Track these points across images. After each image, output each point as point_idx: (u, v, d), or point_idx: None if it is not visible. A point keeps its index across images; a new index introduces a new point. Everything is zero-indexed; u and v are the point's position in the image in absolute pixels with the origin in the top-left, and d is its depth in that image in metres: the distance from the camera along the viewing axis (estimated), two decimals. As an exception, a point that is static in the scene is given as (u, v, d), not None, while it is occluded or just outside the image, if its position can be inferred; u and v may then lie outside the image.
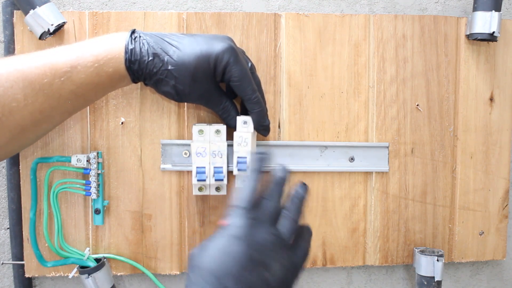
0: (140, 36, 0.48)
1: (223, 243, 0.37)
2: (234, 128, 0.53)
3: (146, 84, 0.50)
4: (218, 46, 0.48)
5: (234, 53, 0.49)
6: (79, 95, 0.47)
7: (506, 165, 0.62)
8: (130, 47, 0.47)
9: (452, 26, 0.60)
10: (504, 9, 0.64)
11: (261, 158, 0.43)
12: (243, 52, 0.55)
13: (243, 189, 0.41)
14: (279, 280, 0.37)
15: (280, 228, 0.41)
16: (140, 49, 0.47)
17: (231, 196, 0.58)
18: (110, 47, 0.47)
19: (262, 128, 0.53)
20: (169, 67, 0.48)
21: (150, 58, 0.47)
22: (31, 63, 0.45)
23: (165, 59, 0.47)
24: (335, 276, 0.64)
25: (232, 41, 0.51)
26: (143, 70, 0.48)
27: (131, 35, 0.48)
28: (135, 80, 0.49)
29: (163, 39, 0.48)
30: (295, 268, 0.40)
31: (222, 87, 0.53)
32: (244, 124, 0.52)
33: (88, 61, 0.46)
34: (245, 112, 0.54)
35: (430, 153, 0.60)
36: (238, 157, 0.52)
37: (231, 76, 0.49)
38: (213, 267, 0.36)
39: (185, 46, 0.48)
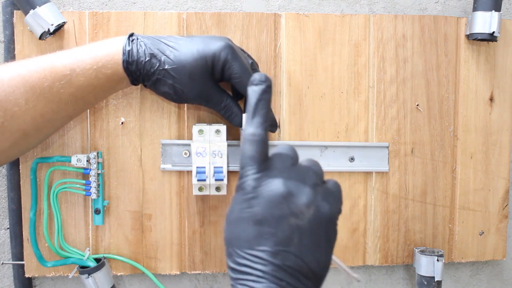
0: (137, 39, 0.49)
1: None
2: (239, 126, 0.53)
3: (145, 86, 0.51)
4: (215, 45, 0.49)
5: (232, 50, 0.49)
6: (79, 98, 0.47)
7: (506, 165, 0.62)
8: (128, 48, 0.47)
9: (452, 26, 0.60)
10: (504, 9, 0.64)
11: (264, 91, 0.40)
12: (243, 50, 0.55)
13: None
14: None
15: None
16: (137, 50, 0.48)
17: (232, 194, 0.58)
18: (108, 49, 0.47)
19: (270, 124, 0.53)
20: (166, 67, 0.48)
21: (147, 59, 0.48)
22: (31, 68, 0.46)
23: (162, 59, 0.48)
24: (335, 276, 0.64)
25: (230, 40, 0.51)
26: (140, 70, 0.48)
27: (128, 38, 0.48)
28: (134, 82, 0.49)
29: (160, 41, 0.49)
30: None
31: (228, 91, 0.53)
32: None
33: (86, 64, 0.46)
34: None
35: (430, 153, 0.60)
36: None
37: (231, 74, 0.49)
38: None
39: (181, 46, 0.49)
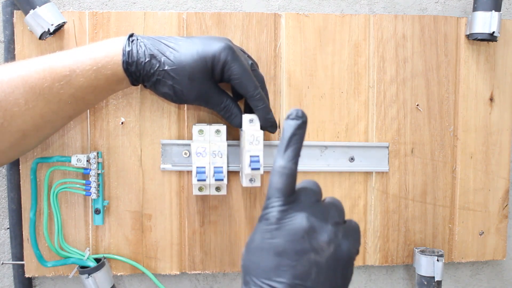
0: (137, 39, 0.49)
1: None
2: (239, 127, 0.53)
3: (145, 86, 0.51)
4: (214, 46, 0.49)
5: (232, 51, 0.49)
6: (79, 99, 0.47)
7: (506, 165, 0.62)
8: (128, 49, 0.47)
9: (452, 26, 0.60)
10: (504, 9, 0.64)
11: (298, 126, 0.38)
12: (243, 51, 0.55)
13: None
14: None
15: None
16: (137, 51, 0.48)
17: (232, 195, 0.58)
18: (108, 50, 0.47)
19: (269, 125, 0.53)
20: (166, 68, 0.48)
21: (147, 59, 0.48)
22: (31, 68, 0.46)
23: (162, 59, 0.48)
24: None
25: (230, 41, 0.51)
26: (140, 71, 0.48)
27: (128, 38, 0.48)
28: (134, 83, 0.49)
29: (160, 41, 0.49)
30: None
31: (228, 92, 0.53)
32: (251, 122, 0.52)
33: (86, 65, 0.46)
34: (248, 112, 0.54)
35: (430, 153, 0.60)
36: (251, 156, 0.51)
37: (230, 74, 0.49)
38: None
39: (181, 47, 0.49)
